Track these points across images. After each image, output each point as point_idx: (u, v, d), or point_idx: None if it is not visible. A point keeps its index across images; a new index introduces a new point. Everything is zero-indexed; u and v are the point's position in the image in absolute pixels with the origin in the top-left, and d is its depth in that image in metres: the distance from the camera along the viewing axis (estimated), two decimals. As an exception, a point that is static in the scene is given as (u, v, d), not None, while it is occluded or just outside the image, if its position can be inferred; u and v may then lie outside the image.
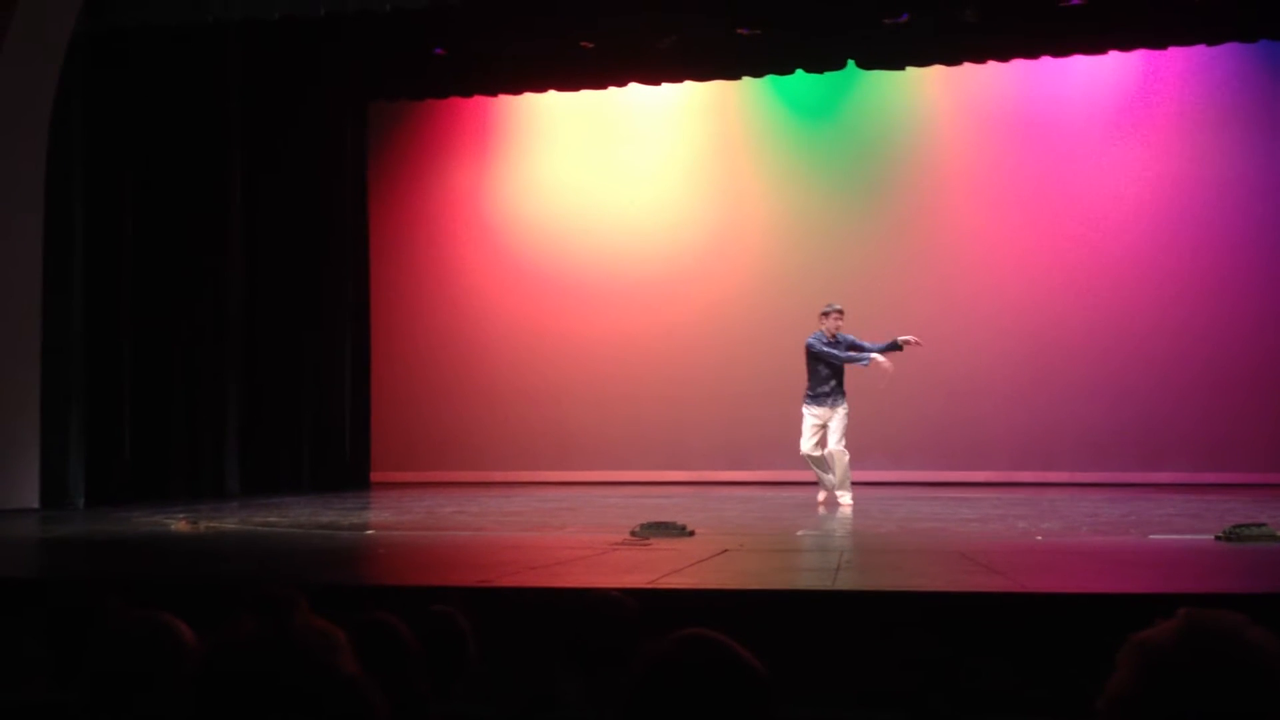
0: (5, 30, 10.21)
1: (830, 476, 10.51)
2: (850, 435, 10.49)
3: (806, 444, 10.51)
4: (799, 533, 8.47)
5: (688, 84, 13.70)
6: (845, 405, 10.48)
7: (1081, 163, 13.77)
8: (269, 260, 13.04)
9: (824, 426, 10.47)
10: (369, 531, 8.54)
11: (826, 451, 10.45)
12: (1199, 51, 12.90)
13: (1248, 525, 7.18)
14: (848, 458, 10.45)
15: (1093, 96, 13.77)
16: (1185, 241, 13.52)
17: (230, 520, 9.35)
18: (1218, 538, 7.10)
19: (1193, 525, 8.31)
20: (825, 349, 10.43)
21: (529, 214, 14.96)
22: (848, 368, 10.49)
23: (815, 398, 10.49)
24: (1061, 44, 12.28)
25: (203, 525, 8.72)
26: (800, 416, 10.58)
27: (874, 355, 10.40)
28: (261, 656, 1.57)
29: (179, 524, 8.75)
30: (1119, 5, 11.57)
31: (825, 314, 10.60)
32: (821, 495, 10.63)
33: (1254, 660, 1.45)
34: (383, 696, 1.62)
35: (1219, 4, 11.59)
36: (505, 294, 14.87)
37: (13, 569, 6.83)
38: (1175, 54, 13.04)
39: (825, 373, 10.46)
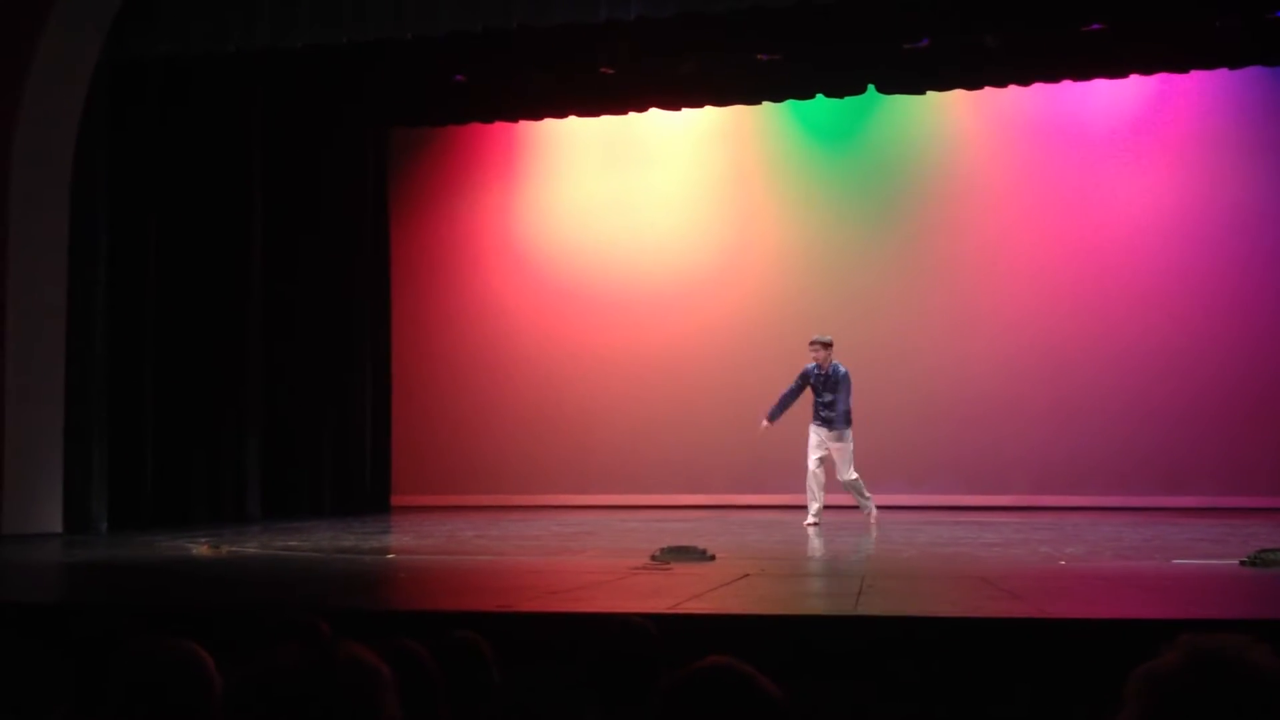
0: (30, 59, 10.30)
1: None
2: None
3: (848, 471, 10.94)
4: (821, 557, 8.44)
5: (708, 109, 13.71)
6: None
7: (1102, 185, 13.73)
8: (291, 285, 13.09)
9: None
10: (390, 556, 8.56)
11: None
12: (1221, 74, 12.86)
13: (1273, 550, 7.14)
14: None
15: (1114, 119, 13.74)
16: (1209, 265, 13.45)
17: (252, 544, 9.37)
18: (1243, 563, 7.05)
19: (1217, 550, 8.25)
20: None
21: (548, 239, 14.99)
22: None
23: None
24: (1083, 67, 12.23)
25: (224, 549, 8.74)
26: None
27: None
28: (303, 689, 1.49)
29: (201, 548, 8.78)
30: (1140, 28, 11.54)
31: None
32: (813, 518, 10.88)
33: (1260, 681, 1.44)
34: None
35: (1241, 28, 11.56)
36: (524, 319, 14.90)
37: (35, 594, 6.87)
38: (1197, 76, 13.00)
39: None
